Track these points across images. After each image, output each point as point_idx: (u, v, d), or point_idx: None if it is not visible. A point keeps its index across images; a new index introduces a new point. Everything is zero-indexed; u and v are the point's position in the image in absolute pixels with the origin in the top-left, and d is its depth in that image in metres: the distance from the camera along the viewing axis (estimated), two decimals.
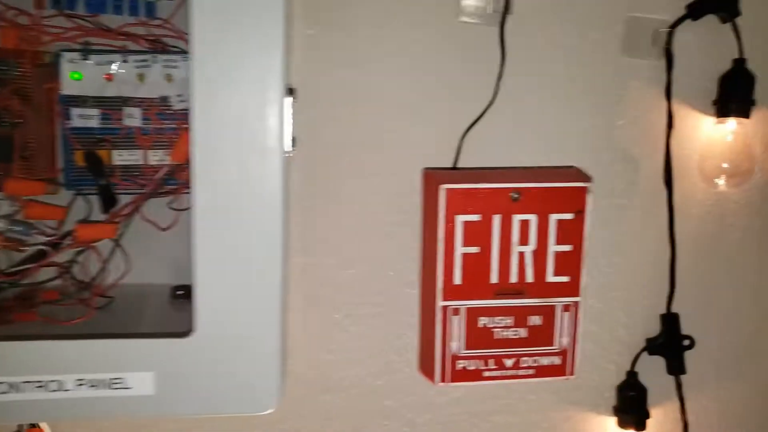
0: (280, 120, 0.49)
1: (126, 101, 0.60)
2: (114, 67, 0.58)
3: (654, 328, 0.75)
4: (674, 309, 0.74)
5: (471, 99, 0.67)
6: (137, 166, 0.62)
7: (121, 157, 0.62)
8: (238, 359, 0.51)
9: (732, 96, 0.70)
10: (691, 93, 0.71)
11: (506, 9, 0.66)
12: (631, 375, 0.74)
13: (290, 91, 0.50)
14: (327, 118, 0.67)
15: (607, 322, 0.74)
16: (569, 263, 0.61)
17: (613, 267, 0.73)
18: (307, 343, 0.70)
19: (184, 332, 0.50)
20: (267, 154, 0.49)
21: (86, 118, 0.61)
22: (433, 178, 0.61)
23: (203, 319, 0.50)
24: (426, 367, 0.64)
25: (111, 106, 0.61)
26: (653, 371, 0.75)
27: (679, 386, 0.75)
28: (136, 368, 0.50)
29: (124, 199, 0.61)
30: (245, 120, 0.48)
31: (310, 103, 0.66)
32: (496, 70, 0.67)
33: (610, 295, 0.74)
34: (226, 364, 0.51)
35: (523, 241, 0.60)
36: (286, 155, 0.50)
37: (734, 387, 0.78)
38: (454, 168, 0.68)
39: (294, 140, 0.51)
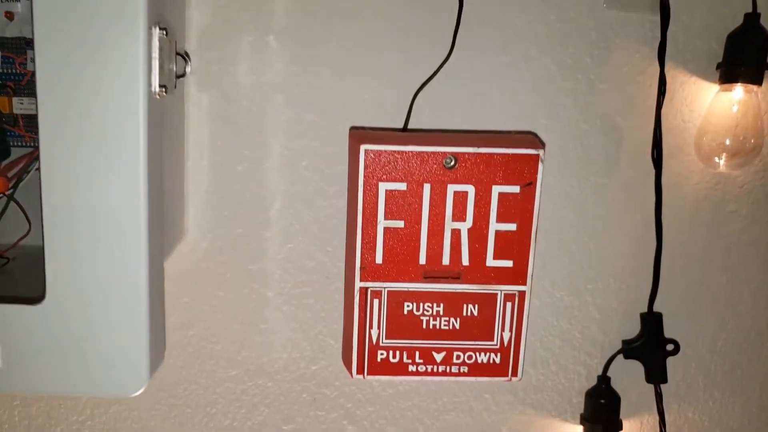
0: (146, 54, 0.41)
1: (30, 43, 0.55)
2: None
3: (632, 329, 0.65)
4: (657, 308, 0.64)
5: (424, 53, 0.58)
6: None
7: (22, 105, 0.57)
8: (97, 332, 0.44)
9: (741, 58, 0.58)
10: (690, 54, 0.61)
11: None
12: (603, 380, 0.65)
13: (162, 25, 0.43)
14: (266, 74, 0.59)
15: (577, 318, 0.65)
16: (514, 245, 0.52)
17: (587, 255, 0.63)
18: (234, 322, 0.63)
19: (33, 299, 0.44)
20: (127, 95, 0.41)
21: None
22: (357, 138, 0.52)
23: (55, 285, 0.43)
24: (346, 356, 0.56)
25: (13, 48, 0.56)
26: (629, 377, 0.65)
27: (659, 396, 0.65)
28: None
29: (21, 152, 0.56)
30: (101, 54, 0.41)
31: (246, 57, 0.58)
32: (454, 20, 0.57)
33: (583, 288, 0.64)
34: (84, 337, 0.44)
35: (459, 216, 0.51)
36: (155, 96, 0.43)
37: (725, 400, 0.67)
38: (404, 130, 0.59)
39: (176, 77, 0.44)
